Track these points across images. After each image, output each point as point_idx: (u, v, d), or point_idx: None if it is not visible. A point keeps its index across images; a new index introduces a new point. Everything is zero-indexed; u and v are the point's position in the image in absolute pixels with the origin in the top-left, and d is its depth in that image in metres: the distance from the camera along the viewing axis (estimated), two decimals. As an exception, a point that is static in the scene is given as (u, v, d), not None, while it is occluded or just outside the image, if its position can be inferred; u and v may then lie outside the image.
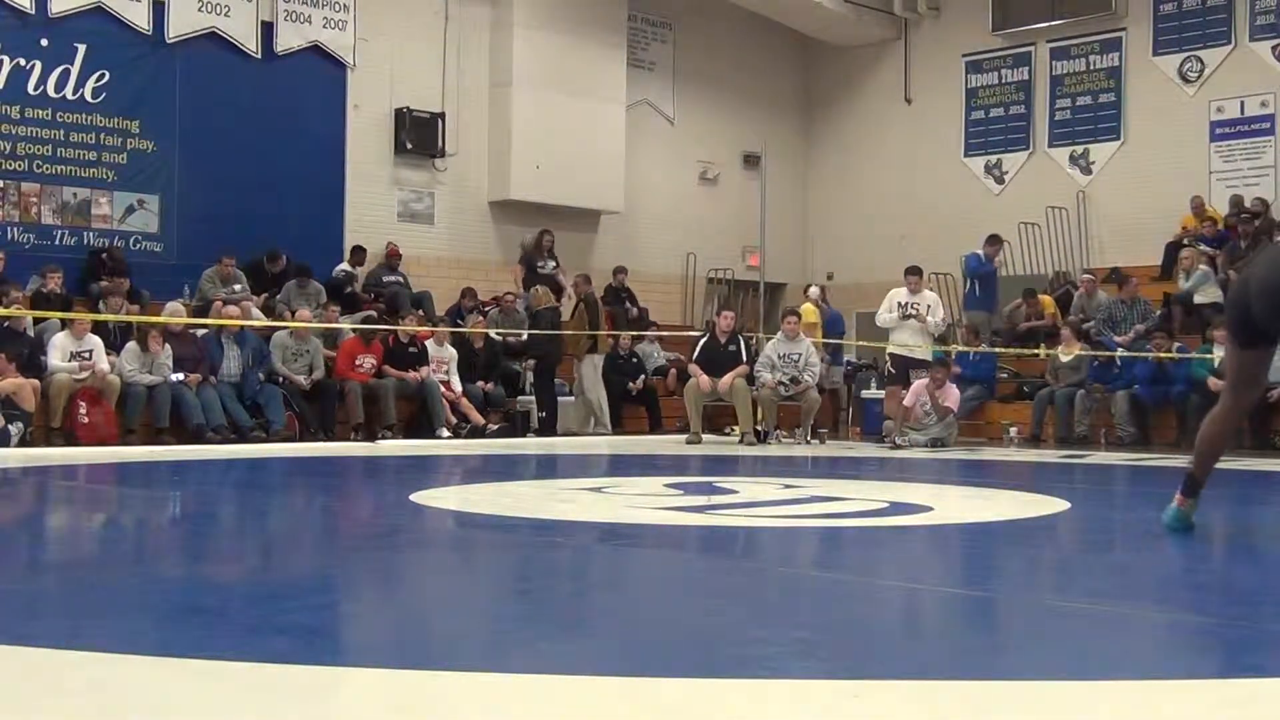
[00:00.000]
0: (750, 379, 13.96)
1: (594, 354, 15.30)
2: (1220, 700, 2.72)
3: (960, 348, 15.96)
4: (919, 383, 13.58)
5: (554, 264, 17.08)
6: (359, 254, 16.22)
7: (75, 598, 3.95)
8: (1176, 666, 3.17)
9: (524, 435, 14.59)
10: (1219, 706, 2.68)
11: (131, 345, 12.57)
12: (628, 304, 17.58)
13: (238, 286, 14.37)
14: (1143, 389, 14.13)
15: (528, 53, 17.99)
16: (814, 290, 16.98)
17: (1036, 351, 16.02)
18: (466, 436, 13.82)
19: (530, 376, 15.49)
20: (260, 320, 13.86)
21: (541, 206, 18.06)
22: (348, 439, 13.24)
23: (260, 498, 8.12)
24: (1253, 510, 6.43)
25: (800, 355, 14.03)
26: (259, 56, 16.06)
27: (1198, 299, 15.38)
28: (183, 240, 15.25)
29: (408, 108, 17.16)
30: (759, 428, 13.84)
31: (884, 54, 21.66)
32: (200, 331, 13.28)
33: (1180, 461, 9.16)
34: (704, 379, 13.82)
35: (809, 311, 15.81)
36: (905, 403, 13.52)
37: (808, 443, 13.89)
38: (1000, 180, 20.38)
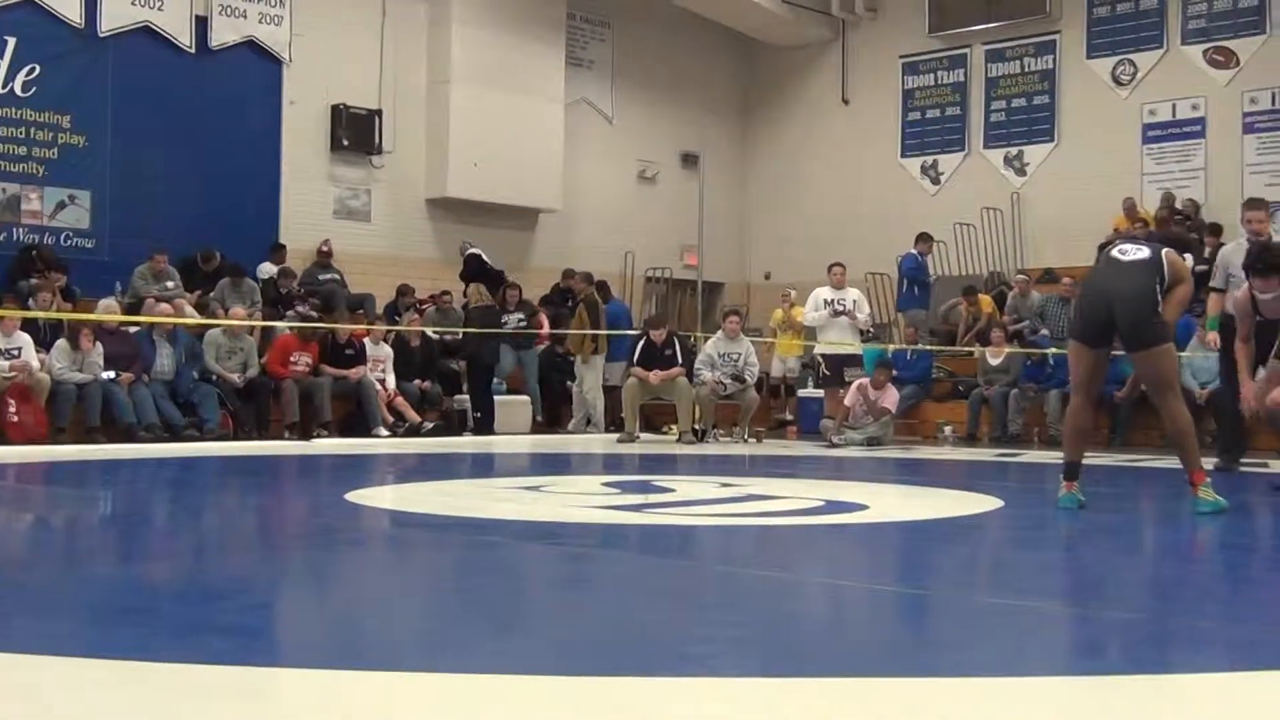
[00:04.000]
0: (690, 377, 13.98)
1: (597, 355, 15.29)
2: (1151, 695, 2.75)
3: (899, 346, 16.07)
4: (859, 381, 13.66)
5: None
6: (279, 252, 16.00)
7: (3, 599, 3.89)
8: (1108, 662, 3.21)
9: (461, 434, 14.53)
10: (1150, 702, 2.71)
11: (61, 343, 12.39)
12: (571, 304, 17.52)
13: (170, 284, 14.20)
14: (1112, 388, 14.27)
15: (466, 50, 17.92)
16: (793, 293, 16.97)
17: (971, 351, 16.16)
18: (403, 435, 13.75)
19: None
20: (194, 318, 13.72)
21: (479, 205, 18.00)
22: (282, 438, 13.12)
23: (193, 497, 8.04)
24: (1183, 506, 6.52)
25: (740, 354, 14.07)
26: (193, 51, 15.88)
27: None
28: (114, 236, 15.04)
29: (344, 104, 17.03)
30: (697, 426, 13.87)
31: (822, 55, 21.77)
32: (132, 329, 13.12)
33: (1109, 460, 9.28)
34: (646, 373, 13.79)
35: (798, 313, 15.89)
36: (845, 402, 13.60)
37: (745, 441, 13.93)
38: (936, 181, 20.55)
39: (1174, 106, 18.45)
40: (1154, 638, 3.50)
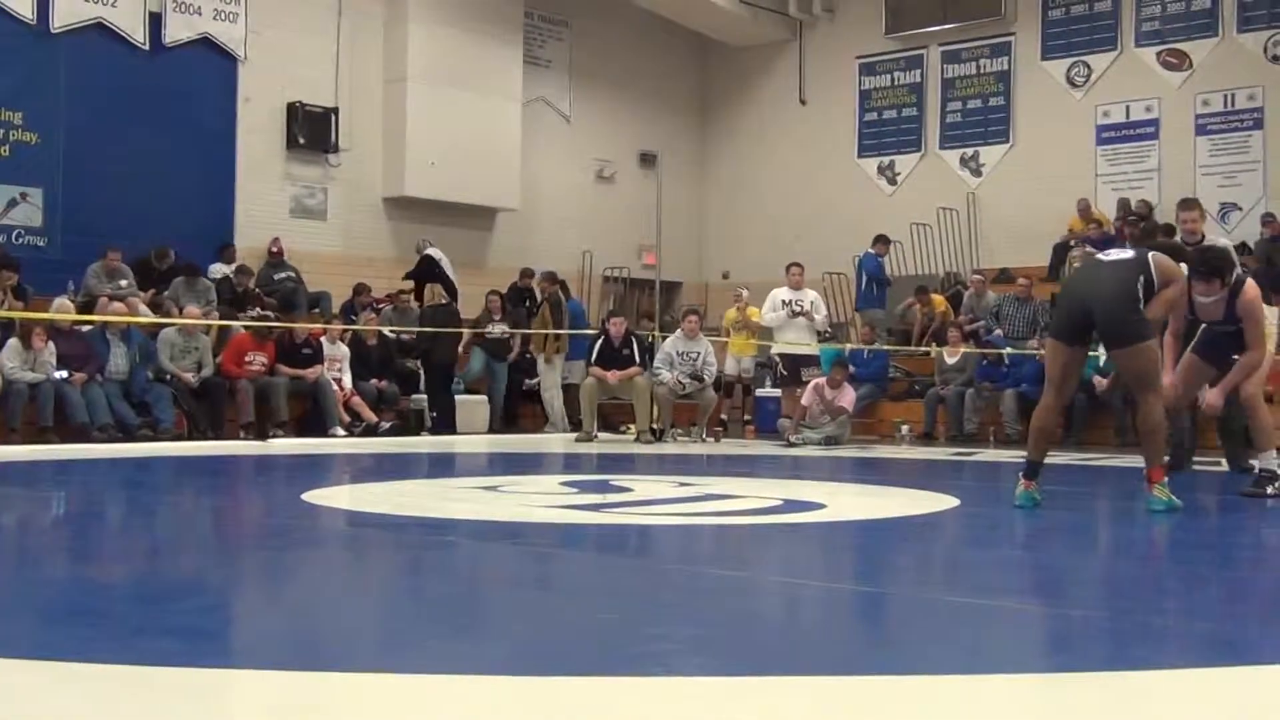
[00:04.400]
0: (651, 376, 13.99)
1: (559, 354, 15.24)
2: (1108, 693, 2.77)
3: (856, 346, 16.13)
4: (815, 381, 13.70)
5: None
6: (228, 250, 15.87)
7: (-48, 601, 3.84)
8: (1065, 660, 3.22)
9: (418, 434, 14.48)
10: (1107, 700, 2.72)
11: (13, 342, 12.24)
12: (529, 304, 17.46)
13: (124, 282, 14.06)
14: (1030, 388, 14.34)
15: (423, 48, 17.86)
16: (745, 293, 16.98)
17: (928, 350, 16.24)
18: (359, 435, 13.68)
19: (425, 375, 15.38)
20: (148, 317, 13.60)
21: (436, 204, 17.94)
22: (237, 438, 13.03)
23: (147, 498, 7.96)
24: (1138, 504, 6.57)
25: (699, 353, 14.07)
26: (147, 48, 15.75)
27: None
28: (67, 235, 14.89)
29: (300, 102, 16.94)
30: (655, 426, 13.87)
31: (779, 55, 21.82)
32: (85, 328, 12.99)
33: (1063, 459, 9.34)
34: (604, 372, 13.78)
35: (755, 314, 15.91)
36: (803, 402, 13.63)
37: (703, 441, 13.94)
38: (893, 181, 20.65)
39: (1127, 108, 18.61)
40: (1110, 635, 3.52)
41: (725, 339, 16.12)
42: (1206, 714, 2.63)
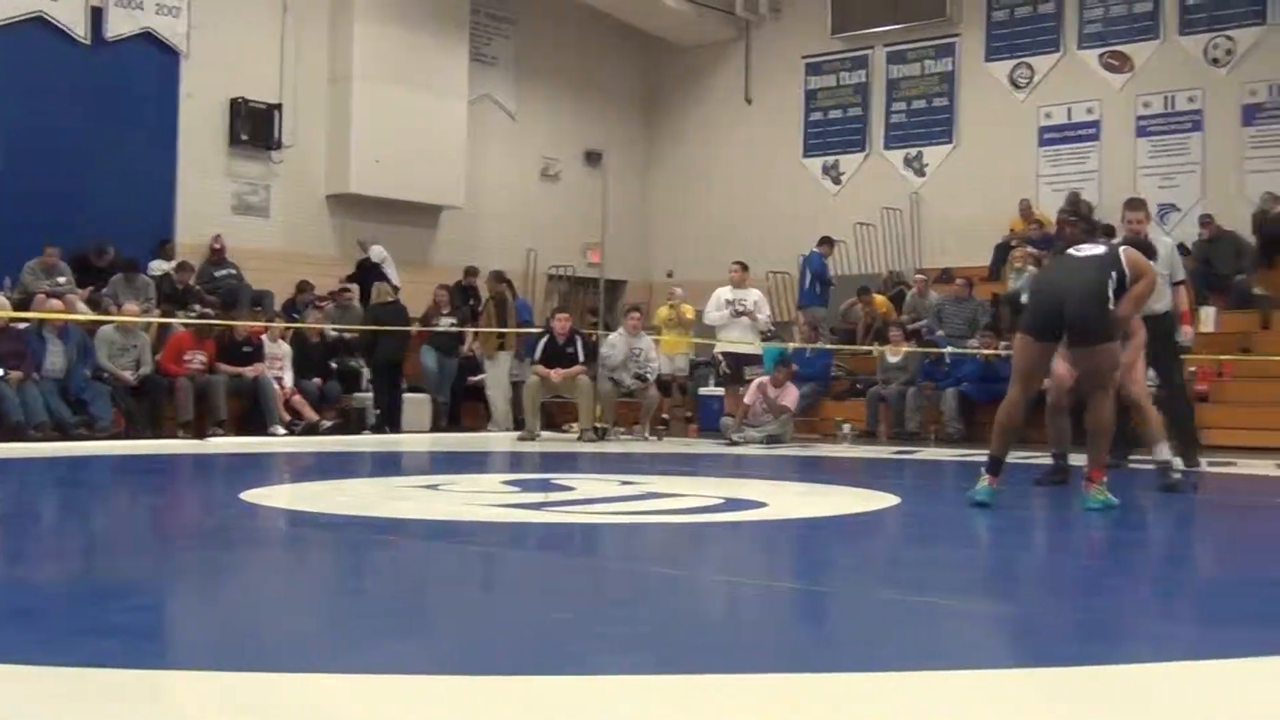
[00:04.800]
0: (593, 376, 13.99)
1: (504, 351, 15.20)
2: (1046, 687, 2.79)
3: (799, 345, 16.19)
4: (759, 380, 13.74)
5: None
6: (167, 247, 15.69)
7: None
8: (1005, 656, 3.25)
9: (360, 432, 14.40)
10: (1047, 694, 2.75)
11: (-52, 339, 12.09)
12: (472, 302, 17.41)
13: (62, 279, 13.88)
14: (970, 386, 14.47)
15: (368, 45, 17.75)
16: (679, 291, 17.02)
17: (870, 349, 16.32)
18: (300, 434, 13.59)
19: (369, 373, 15.30)
20: (86, 314, 13.44)
21: (381, 201, 17.84)
22: (176, 436, 12.91)
23: (84, 497, 7.88)
24: (1078, 502, 6.64)
25: (642, 350, 14.10)
26: (88, 42, 15.54)
27: (1025, 299, 15.77)
28: (4, 230, 14.61)
29: (243, 98, 16.79)
30: (598, 425, 13.87)
31: (725, 54, 21.86)
32: (21, 325, 12.81)
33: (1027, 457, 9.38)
34: (549, 371, 13.76)
35: (688, 311, 15.94)
36: (745, 400, 13.67)
37: (646, 439, 13.95)
38: (837, 181, 20.74)
39: (1069, 110, 18.78)
40: (1048, 631, 3.55)
41: (658, 337, 16.10)
42: (1143, 708, 2.66)
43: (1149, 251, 7.17)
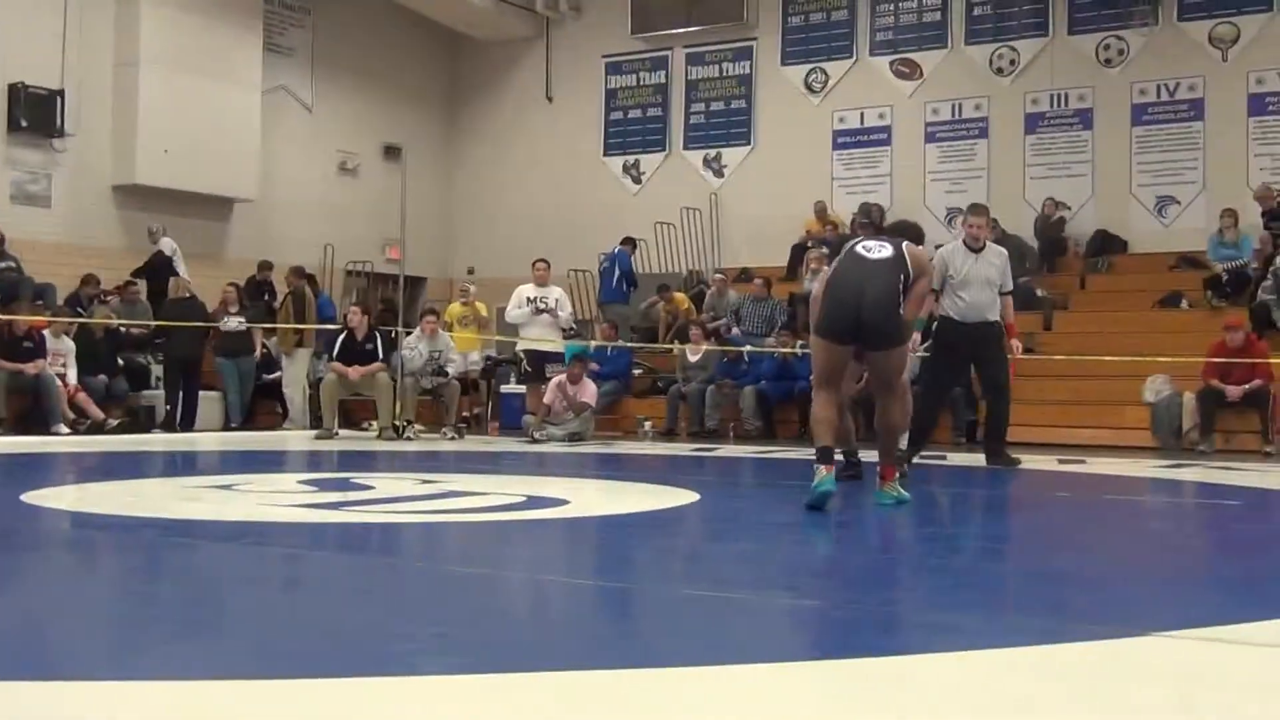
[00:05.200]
0: (392, 374, 13.82)
1: (302, 348, 14.82)
2: (838, 679, 2.84)
3: (600, 343, 16.24)
4: (557, 378, 13.74)
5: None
6: None
7: None
8: (798, 648, 3.30)
9: (149, 431, 13.95)
10: (838, 686, 2.79)
11: None
12: (268, 298, 17.02)
13: None
14: (768, 385, 14.71)
15: (157, 31, 17.19)
16: (472, 288, 16.87)
17: (670, 348, 16.46)
18: (85, 433, 13.11)
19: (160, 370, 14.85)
20: None
21: (170, 192, 17.28)
22: (-48, 435, 12.33)
23: None
24: (869, 497, 6.79)
25: (441, 351, 13.98)
26: None
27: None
28: None
29: (23, 83, 16.05)
30: (397, 422, 13.70)
31: (526, 51, 21.82)
32: None
33: (801, 455, 9.56)
34: (347, 368, 13.55)
35: (481, 309, 15.80)
36: (545, 399, 13.65)
37: (448, 438, 13.82)
38: (638, 180, 20.87)
39: (862, 115, 19.25)
40: (843, 625, 3.61)
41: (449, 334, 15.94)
42: (927, 699, 2.72)
43: (918, 240, 7.21)
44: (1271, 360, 12.72)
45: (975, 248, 9.50)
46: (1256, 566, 5.19)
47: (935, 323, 9.45)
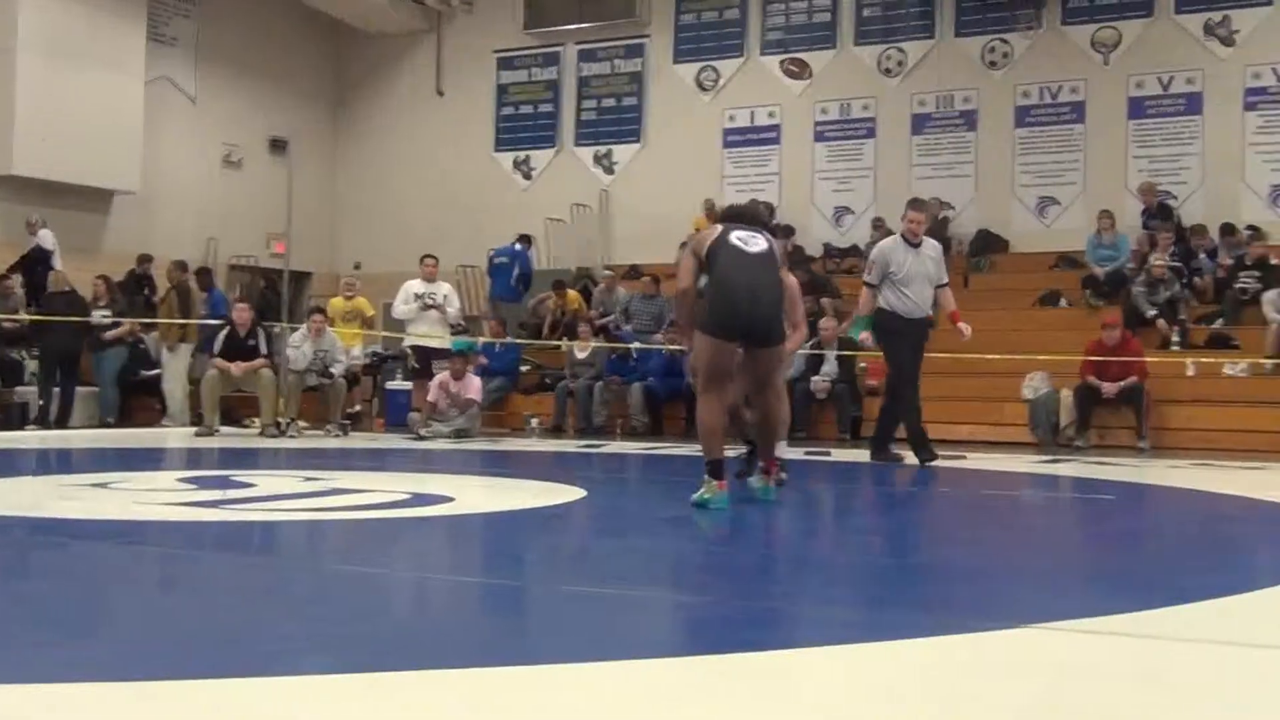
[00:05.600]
0: (275, 370, 13.63)
1: (185, 343, 14.55)
2: (718, 674, 2.84)
3: (488, 339, 16.16)
4: (441, 375, 13.65)
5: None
6: None
7: None
8: (680, 644, 3.30)
9: (23, 428, 13.62)
10: (720, 680, 2.80)
11: None
12: (147, 292, 16.69)
13: None
14: (656, 381, 14.75)
15: (34, 17, 16.74)
16: (357, 283, 16.68)
17: (559, 344, 16.43)
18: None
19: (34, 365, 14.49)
20: None
21: (47, 183, 16.86)
22: None
23: None
24: (789, 493, 6.83)
25: (327, 352, 13.82)
26: None
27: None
28: None
29: (-110, 69, 15.62)
30: (280, 419, 13.51)
31: (417, 45, 21.65)
32: None
33: (688, 451, 9.60)
34: (227, 364, 13.34)
35: (364, 305, 15.63)
36: (430, 396, 13.55)
37: (332, 435, 13.65)
38: (529, 176, 20.81)
39: (752, 113, 19.37)
40: (728, 620, 3.62)
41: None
42: (804, 693, 2.74)
43: (771, 231, 7.16)
44: (1146, 358, 13.04)
45: (914, 243, 9.53)
46: (1129, 560, 5.31)
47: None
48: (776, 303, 6.54)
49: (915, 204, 10.01)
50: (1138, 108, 17.22)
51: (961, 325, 9.88)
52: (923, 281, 9.55)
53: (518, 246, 17.72)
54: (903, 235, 9.69)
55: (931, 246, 9.73)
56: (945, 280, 9.88)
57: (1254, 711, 2.65)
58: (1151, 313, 14.28)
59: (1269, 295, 13.89)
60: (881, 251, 9.63)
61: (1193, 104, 16.96)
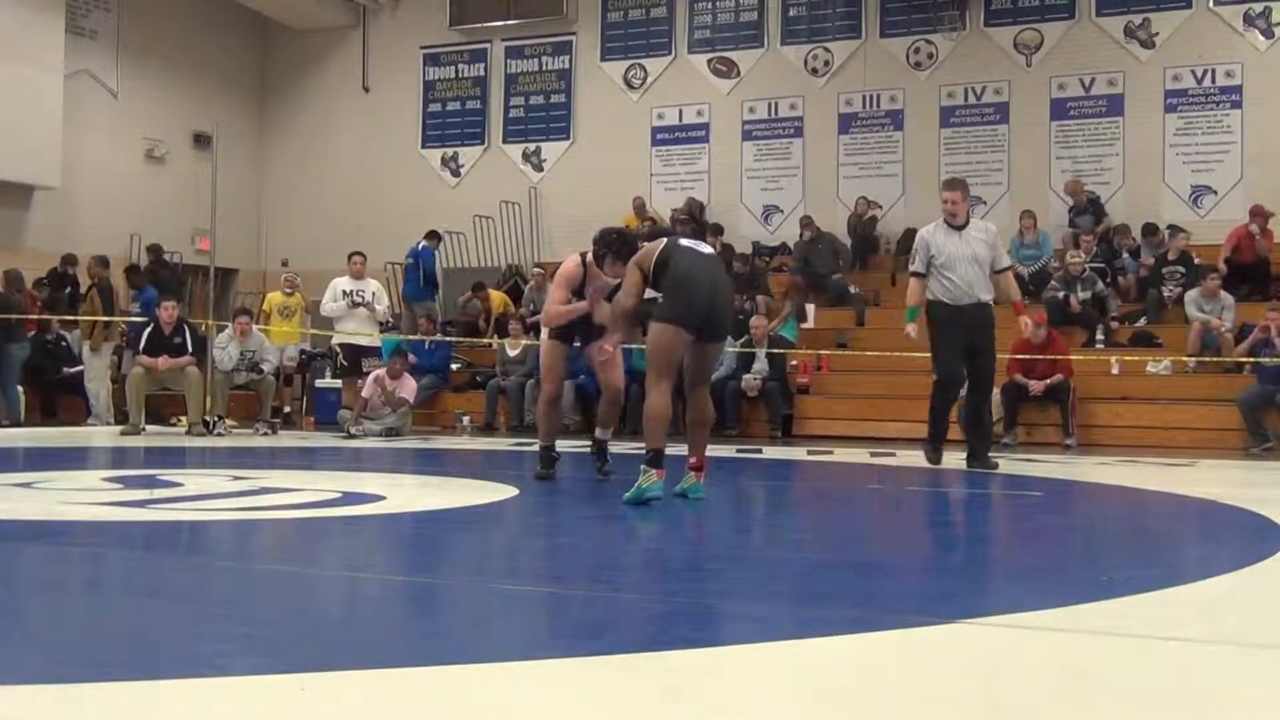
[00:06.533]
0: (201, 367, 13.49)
1: (108, 342, 14.34)
2: (647, 672, 2.85)
3: (418, 337, 16.07)
4: (376, 372, 13.57)
5: None
6: None
7: None
8: (610, 642, 3.30)
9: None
10: (647, 679, 2.80)
11: None
12: (70, 289, 16.44)
13: None
14: (587, 379, 14.71)
15: (-51, 9, 16.48)
16: (299, 279, 16.53)
17: (490, 342, 16.38)
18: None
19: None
20: None
21: (-36, 178, 16.60)
22: None
23: None
24: (717, 491, 6.84)
25: (255, 352, 13.70)
26: None
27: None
28: None
29: None
30: (208, 418, 13.36)
31: (343, 40, 21.50)
32: None
33: (621, 448, 9.61)
34: (152, 361, 13.17)
35: (296, 301, 15.50)
36: (363, 394, 13.47)
37: (261, 434, 13.53)
38: (457, 173, 20.74)
39: (681, 112, 19.42)
40: (663, 617, 3.63)
41: (266, 327, 15.61)
42: (732, 690, 2.75)
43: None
44: (1071, 356, 13.21)
45: (955, 224, 9.06)
46: (1057, 555, 5.37)
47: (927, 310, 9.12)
48: (731, 302, 6.90)
49: (948, 184, 9.42)
50: (1060, 109, 17.45)
51: (1024, 319, 9.68)
52: (969, 264, 8.95)
53: (422, 244, 17.64)
54: (944, 219, 9.21)
55: (980, 229, 9.21)
56: (1005, 265, 9.32)
57: (1177, 703, 2.70)
58: (1076, 309, 14.49)
59: (1191, 294, 14.13)
60: (921, 237, 9.24)
61: (1114, 105, 17.23)
